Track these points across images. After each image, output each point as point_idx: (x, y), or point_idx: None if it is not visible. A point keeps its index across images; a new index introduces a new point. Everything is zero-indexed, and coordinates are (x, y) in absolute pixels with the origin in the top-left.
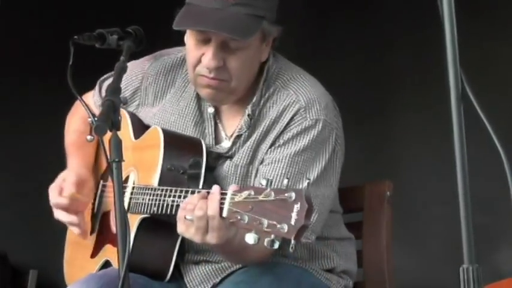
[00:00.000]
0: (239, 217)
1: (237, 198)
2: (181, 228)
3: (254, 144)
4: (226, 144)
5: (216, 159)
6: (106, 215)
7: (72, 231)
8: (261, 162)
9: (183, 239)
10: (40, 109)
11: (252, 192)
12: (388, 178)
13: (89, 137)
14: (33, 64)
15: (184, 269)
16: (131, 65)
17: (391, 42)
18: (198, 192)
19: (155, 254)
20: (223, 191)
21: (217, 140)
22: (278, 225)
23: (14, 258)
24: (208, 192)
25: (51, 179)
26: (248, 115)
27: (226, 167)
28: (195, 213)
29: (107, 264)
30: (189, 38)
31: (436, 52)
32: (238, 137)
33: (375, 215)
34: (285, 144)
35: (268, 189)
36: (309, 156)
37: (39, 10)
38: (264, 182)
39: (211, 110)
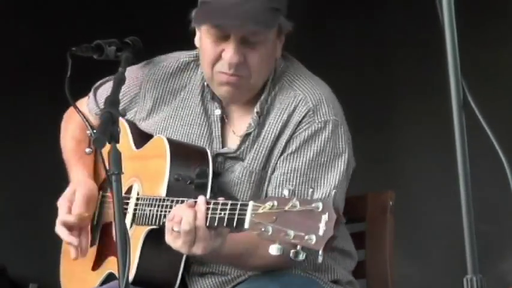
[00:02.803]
0: (263, 228)
1: (261, 210)
2: (168, 239)
3: (266, 149)
4: (234, 143)
5: (223, 162)
6: (107, 226)
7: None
8: (273, 171)
9: None
10: (40, 124)
11: (276, 203)
12: (391, 188)
13: (87, 150)
14: (33, 78)
15: (189, 281)
16: (128, 71)
17: (393, 52)
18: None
19: (162, 266)
20: (233, 202)
21: (225, 142)
22: (306, 236)
23: (14, 272)
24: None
25: (51, 193)
26: (257, 112)
27: (239, 172)
28: (182, 227)
29: (109, 277)
30: (205, 36)
31: (439, 61)
32: (247, 135)
33: (378, 225)
34: (297, 150)
35: (294, 199)
36: (326, 160)
37: (37, 21)
38: (286, 192)
39: (218, 112)
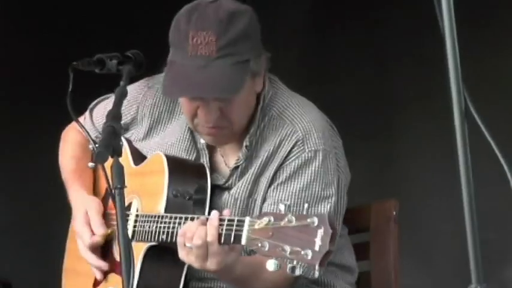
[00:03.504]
0: (259, 244)
1: (257, 226)
2: (181, 255)
3: (253, 177)
4: (224, 175)
5: (212, 189)
6: (107, 243)
7: (69, 259)
8: (264, 200)
9: (188, 267)
10: (41, 135)
11: (272, 219)
12: (394, 197)
13: (90, 164)
14: (36, 86)
15: None
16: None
17: (395, 60)
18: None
19: (162, 282)
20: (230, 217)
21: (215, 169)
22: (302, 252)
23: (19, 287)
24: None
25: (59, 208)
26: (246, 146)
27: (225, 199)
28: (194, 242)
29: None
30: None
31: (440, 69)
32: (236, 168)
33: (382, 235)
34: (287, 180)
35: (289, 215)
36: (316, 190)
37: (38, 35)
38: (282, 208)
39: (203, 140)
